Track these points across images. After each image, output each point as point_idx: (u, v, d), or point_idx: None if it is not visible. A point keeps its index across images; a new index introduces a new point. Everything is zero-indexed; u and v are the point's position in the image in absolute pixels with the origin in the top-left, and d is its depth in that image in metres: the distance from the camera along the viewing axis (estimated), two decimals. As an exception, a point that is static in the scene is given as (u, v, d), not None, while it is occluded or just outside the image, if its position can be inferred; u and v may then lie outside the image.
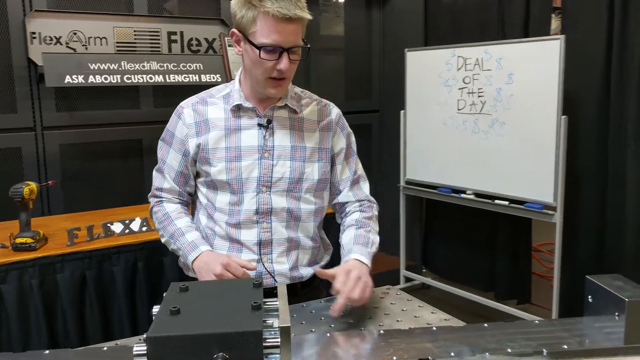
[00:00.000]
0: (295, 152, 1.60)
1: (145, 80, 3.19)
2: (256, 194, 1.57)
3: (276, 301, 1.23)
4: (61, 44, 3.21)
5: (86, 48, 3.28)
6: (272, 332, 1.07)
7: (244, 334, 1.02)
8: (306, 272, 1.68)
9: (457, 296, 3.84)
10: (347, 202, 1.75)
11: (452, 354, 1.17)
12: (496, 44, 3.36)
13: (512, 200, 3.34)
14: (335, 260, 2.58)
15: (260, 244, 1.58)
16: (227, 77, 3.39)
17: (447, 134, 3.68)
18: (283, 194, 1.59)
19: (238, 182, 1.56)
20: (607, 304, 1.25)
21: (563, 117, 3.05)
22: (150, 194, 1.71)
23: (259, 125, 1.57)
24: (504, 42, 3.36)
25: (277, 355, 1.09)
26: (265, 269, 1.59)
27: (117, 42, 3.36)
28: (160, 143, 1.67)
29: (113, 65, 3.11)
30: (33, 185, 2.06)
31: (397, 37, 4.33)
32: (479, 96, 3.45)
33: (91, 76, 3.04)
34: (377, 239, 1.69)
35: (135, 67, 3.18)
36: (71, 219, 2.69)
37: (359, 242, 1.62)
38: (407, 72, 3.90)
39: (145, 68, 3.21)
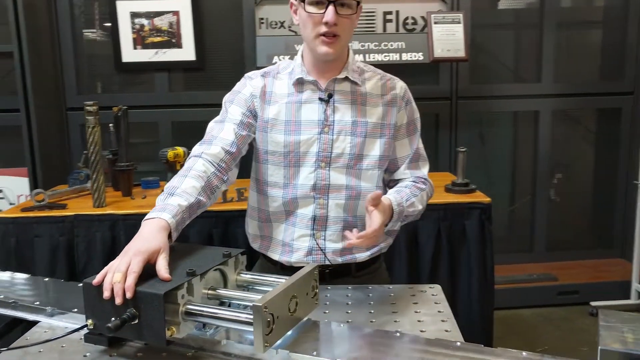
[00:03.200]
0: (356, 127, 1.56)
1: (345, 60, 3.33)
2: (314, 170, 1.56)
3: (275, 279, 1.28)
4: (284, 28, 3.57)
5: (306, 30, 3.57)
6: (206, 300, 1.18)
7: (147, 294, 1.10)
8: (361, 255, 1.63)
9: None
10: (402, 179, 1.67)
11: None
12: None
13: None
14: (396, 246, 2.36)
15: (315, 219, 1.58)
16: (430, 56, 3.31)
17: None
18: (342, 171, 1.57)
19: (295, 156, 1.56)
20: None
21: None
22: (198, 143, 1.55)
23: (320, 99, 1.56)
24: None
25: (195, 322, 1.16)
26: (317, 245, 1.59)
27: (334, 24, 3.57)
28: (223, 105, 1.62)
29: (316, 45, 3.34)
30: (179, 149, 2.43)
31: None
32: None
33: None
34: (418, 205, 1.59)
35: (337, 47, 3.35)
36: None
37: (400, 193, 1.54)
38: (656, 47, 3.21)
39: (347, 48, 3.34)
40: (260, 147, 1.61)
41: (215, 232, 2.37)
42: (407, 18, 3.60)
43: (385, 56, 3.35)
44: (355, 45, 3.35)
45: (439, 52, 3.32)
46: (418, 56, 3.37)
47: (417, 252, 2.43)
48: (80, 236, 2.31)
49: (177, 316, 1.12)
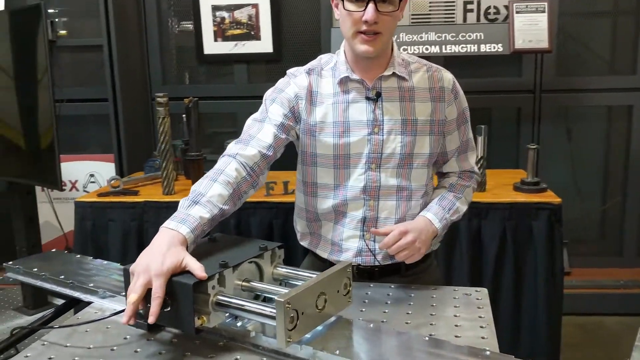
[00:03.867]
0: (406, 126, 1.52)
1: (421, 51, 3.26)
2: (364, 171, 1.53)
3: (309, 274, 1.29)
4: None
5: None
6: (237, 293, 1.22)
7: (178, 284, 1.15)
8: None
9: None
10: (451, 172, 1.68)
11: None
12: None
13: None
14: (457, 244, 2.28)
15: (365, 221, 1.55)
16: (510, 47, 3.17)
17: None
18: (393, 172, 1.53)
19: (345, 159, 1.53)
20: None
21: None
22: (234, 140, 1.50)
23: (368, 98, 1.52)
24: None
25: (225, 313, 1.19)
26: (367, 246, 1.56)
27: (412, 15, 3.50)
28: (263, 102, 1.57)
29: (391, 37, 3.29)
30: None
31: None
32: None
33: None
34: (463, 207, 1.63)
35: (413, 38, 3.29)
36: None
37: (442, 204, 1.58)
38: None
39: (423, 39, 3.27)
40: (307, 151, 1.56)
41: (275, 223, 2.41)
42: (489, 7, 3.46)
43: (462, 47, 3.23)
44: (431, 36, 3.27)
45: (519, 43, 3.16)
46: (497, 47, 3.22)
47: (480, 251, 2.34)
48: (150, 222, 2.43)
49: (207, 306, 1.16)
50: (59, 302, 1.54)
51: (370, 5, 1.38)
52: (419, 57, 1.62)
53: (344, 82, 1.53)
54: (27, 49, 2.69)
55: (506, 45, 3.21)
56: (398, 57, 1.55)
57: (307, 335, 1.15)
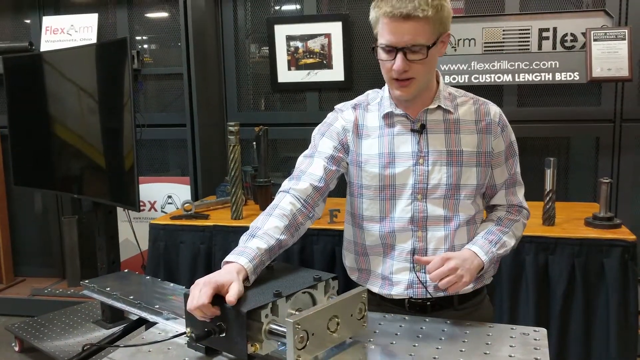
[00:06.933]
0: (451, 156, 1.53)
1: (492, 80, 3.22)
2: (411, 202, 1.54)
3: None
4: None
5: (455, 50, 3.52)
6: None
7: (232, 310, 1.20)
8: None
9: None
10: (498, 205, 1.66)
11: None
12: None
13: None
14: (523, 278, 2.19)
15: (414, 252, 1.56)
16: (587, 76, 3.08)
17: None
18: (440, 202, 1.54)
19: (391, 189, 1.55)
20: None
21: None
22: (287, 178, 1.58)
23: (412, 130, 1.54)
24: None
25: (278, 341, 1.23)
26: (417, 278, 1.56)
27: (485, 43, 3.47)
28: (312, 139, 1.63)
29: (462, 65, 3.28)
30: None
31: None
32: None
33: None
34: (511, 242, 1.60)
35: (484, 66, 3.26)
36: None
37: (488, 238, 1.56)
38: None
39: (495, 67, 3.23)
40: (354, 182, 1.60)
41: (337, 250, 2.43)
42: (565, 35, 3.37)
43: (536, 76, 3.17)
44: (504, 64, 3.23)
45: (597, 71, 3.06)
46: (573, 76, 3.14)
47: (547, 288, 2.26)
48: (218, 245, 2.52)
49: (260, 334, 1.20)
50: (134, 317, 1.63)
51: (399, 56, 1.41)
52: (487, 86, 1.62)
53: (388, 116, 1.56)
54: (112, 77, 2.90)
55: (583, 73, 3.12)
56: (444, 90, 1.57)
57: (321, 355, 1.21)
